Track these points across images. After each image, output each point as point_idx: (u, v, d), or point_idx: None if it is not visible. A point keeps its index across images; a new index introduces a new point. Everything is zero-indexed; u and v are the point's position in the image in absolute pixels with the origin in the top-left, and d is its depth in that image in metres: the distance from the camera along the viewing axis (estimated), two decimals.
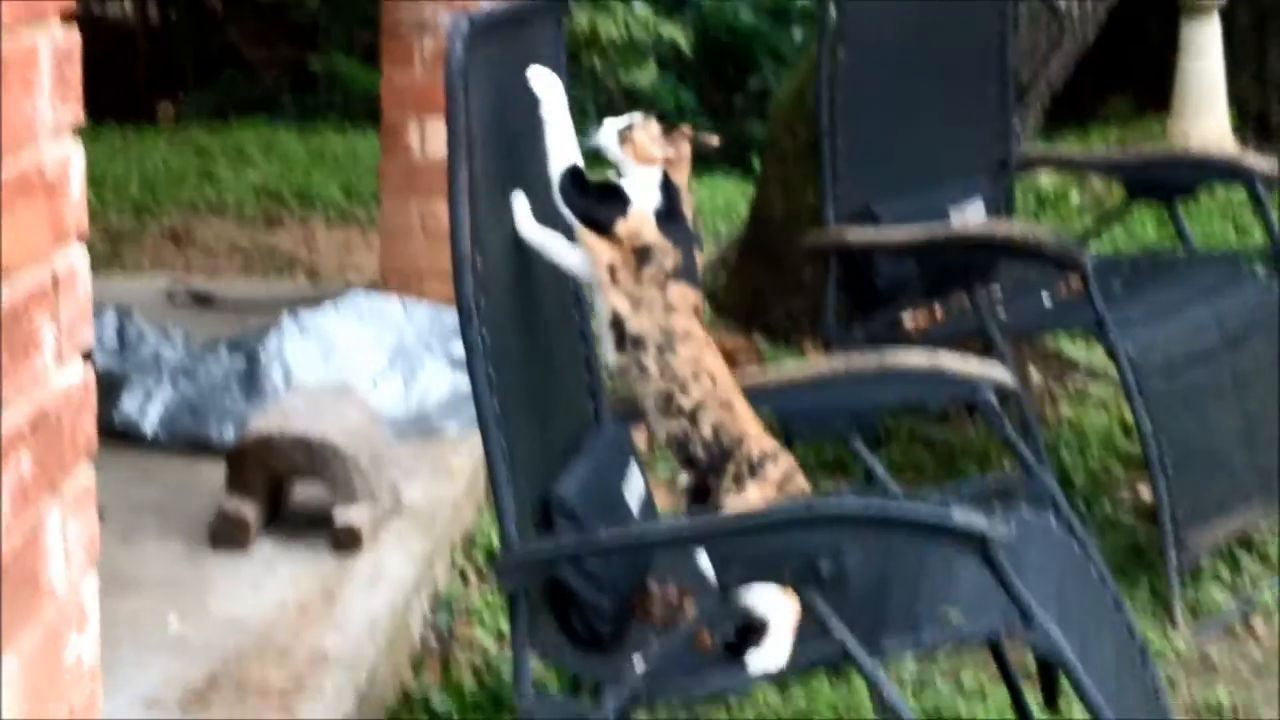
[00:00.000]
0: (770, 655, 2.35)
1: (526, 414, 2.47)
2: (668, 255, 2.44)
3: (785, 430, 2.75)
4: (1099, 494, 3.97)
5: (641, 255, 2.43)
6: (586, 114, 6.42)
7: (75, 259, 1.64)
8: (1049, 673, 2.68)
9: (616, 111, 3.03)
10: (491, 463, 2.35)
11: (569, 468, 2.53)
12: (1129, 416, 3.79)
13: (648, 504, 2.67)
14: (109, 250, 5.69)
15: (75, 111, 1.63)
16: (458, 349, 3.93)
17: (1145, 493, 3.86)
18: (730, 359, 4.73)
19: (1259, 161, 3.91)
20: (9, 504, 1.47)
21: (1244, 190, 3.97)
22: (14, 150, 1.51)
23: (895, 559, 2.51)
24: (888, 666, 2.39)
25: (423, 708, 3.01)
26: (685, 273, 2.45)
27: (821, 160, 3.71)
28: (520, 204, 2.48)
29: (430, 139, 4.56)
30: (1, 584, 1.46)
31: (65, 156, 1.62)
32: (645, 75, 7.01)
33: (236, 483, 3.28)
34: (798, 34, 7.95)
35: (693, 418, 2.45)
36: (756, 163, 7.23)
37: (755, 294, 4.84)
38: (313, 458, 3.25)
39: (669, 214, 2.46)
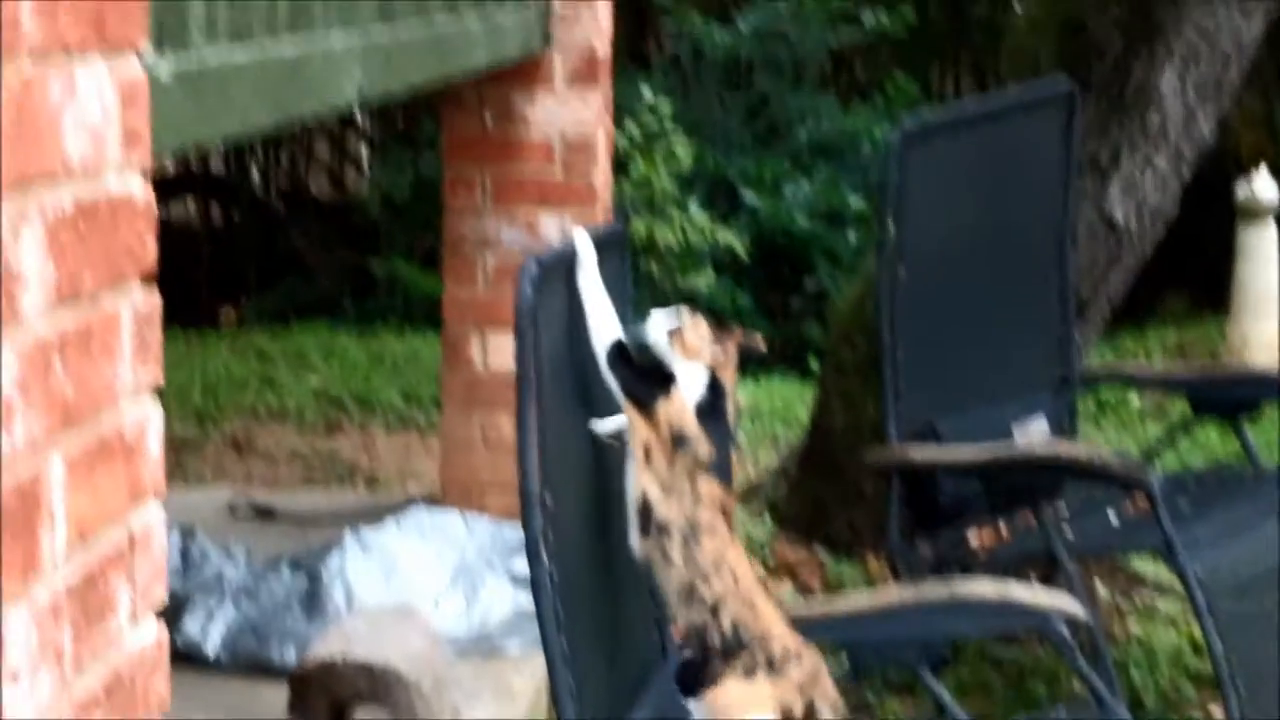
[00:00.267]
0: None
1: (594, 649, 2.46)
2: (703, 447, 2.44)
3: (853, 660, 2.72)
4: (1170, 714, 3.90)
5: (677, 441, 2.43)
6: (644, 317, 6.44)
7: (151, 517, 1.64)
8: None
9: None
10: (559, 702, 2.33)
11: (636, 703, 2.50)
12: (1199, 634, 3.74)
13: None
14: (172, 460, 5.73)
15: (155, 373, 1.64)
16: (520, 566, 3.92)
17: (1217, 712, 3.79)
18: (791, 572, 4.74)
19: None
20: None
21: None
22: (95, 416, 1.53)
23: None
24: None
25: None
26: (718, 469, 2.46)
27: (883, 377, 3.71)
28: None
29: (492, 352, 4.59)
30: None
31: (144, 417, 1.63)
32: (703, 279, 7.06)
33: (299, 708, 3.26)
34: (852, 236, 8.01)
35: (714, 610, 2.43)
36: (813, 363, 7.27)
37: (816, 505, 4.82)
38: (375, 685, 3.23)
39: (711, 410, 2.47)
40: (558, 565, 2.34)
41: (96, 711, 1.50)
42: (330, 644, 3.34)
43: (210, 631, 3.75)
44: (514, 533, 3.71)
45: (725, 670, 2.40)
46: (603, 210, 4.64)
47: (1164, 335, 7.43)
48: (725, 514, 2.46)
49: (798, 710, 2.39)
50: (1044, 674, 4.06)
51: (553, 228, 4.53)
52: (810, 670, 2.40)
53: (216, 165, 10.58)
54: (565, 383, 2.50)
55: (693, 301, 6.84)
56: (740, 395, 6.77)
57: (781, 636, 2.42)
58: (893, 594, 2.92)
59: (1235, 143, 7.72)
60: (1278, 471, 4.24)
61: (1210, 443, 5.72)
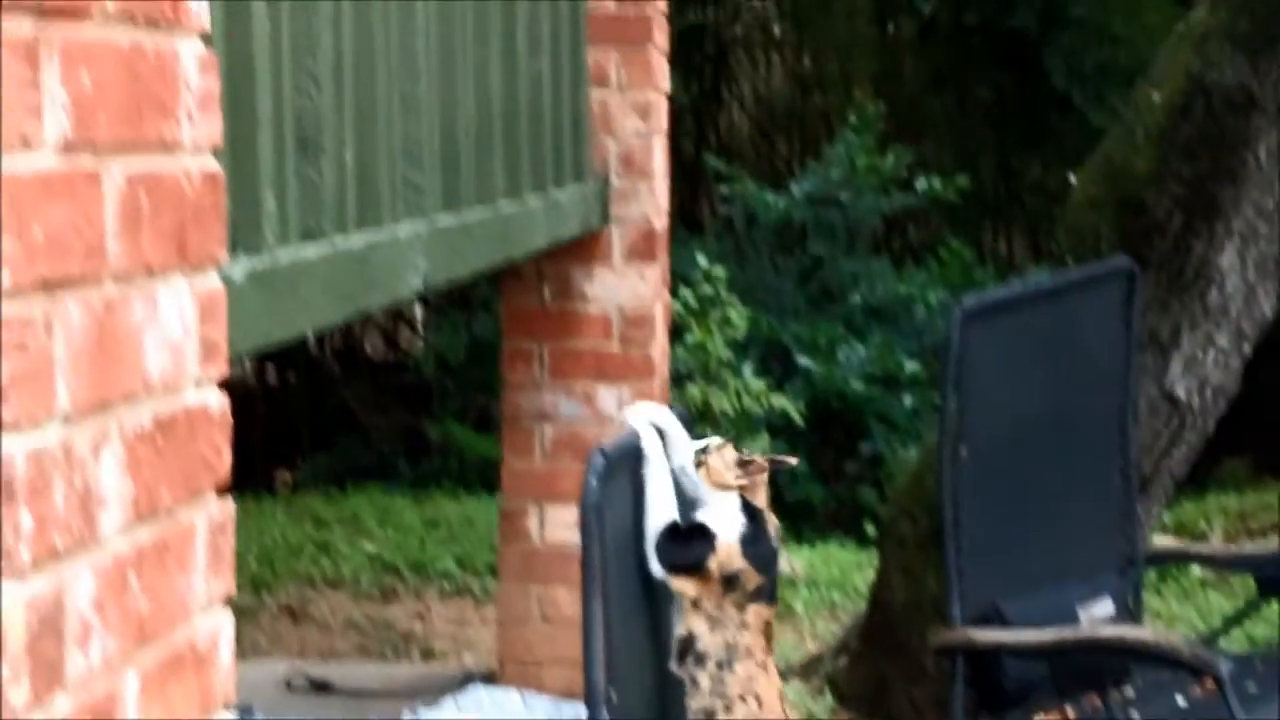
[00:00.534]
0: None
1: None
2: (751, 580, 2.52)
3: None
4: None
5: (729, 582, 2.51)
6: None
7: None
8: None
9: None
10: None
11: None
12: None
13: None
14: None
15: (227, 583, 1.64)
16: None
17: None
18: None
19: None
20: None
21: None
22: (169, 631, 1.52)
23: None
24: None
25: None
26: (765, 593, 2.54)
27: (945, 558, 3.68)
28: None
29: (549, 525, 4.59)
30: None
31: (217, 628, 1.62)
32: (757, 444, 7.04)
33: None
34: (907, 400, 8.00)
35: None
36: (869, 528, 7.22)
37: (878, 681, 4.77)
38: None
39: (754, 539, 2.53)
40: None
41: None
42: None
43: None
44: (573, 711, 3.68)
45: None
46: (660, 383, 4.65)
47: (1225, 502, 7.35)
48: (767, 630, 2.55)
49: None
50: None
51: (610, 401, 4.54)
52: None
53: None
54: (629, 569, 2.49)
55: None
56: (797, 562, 6.73)
57: None
58: None
59: None
60: None
61: (1275, 616, 5.64)
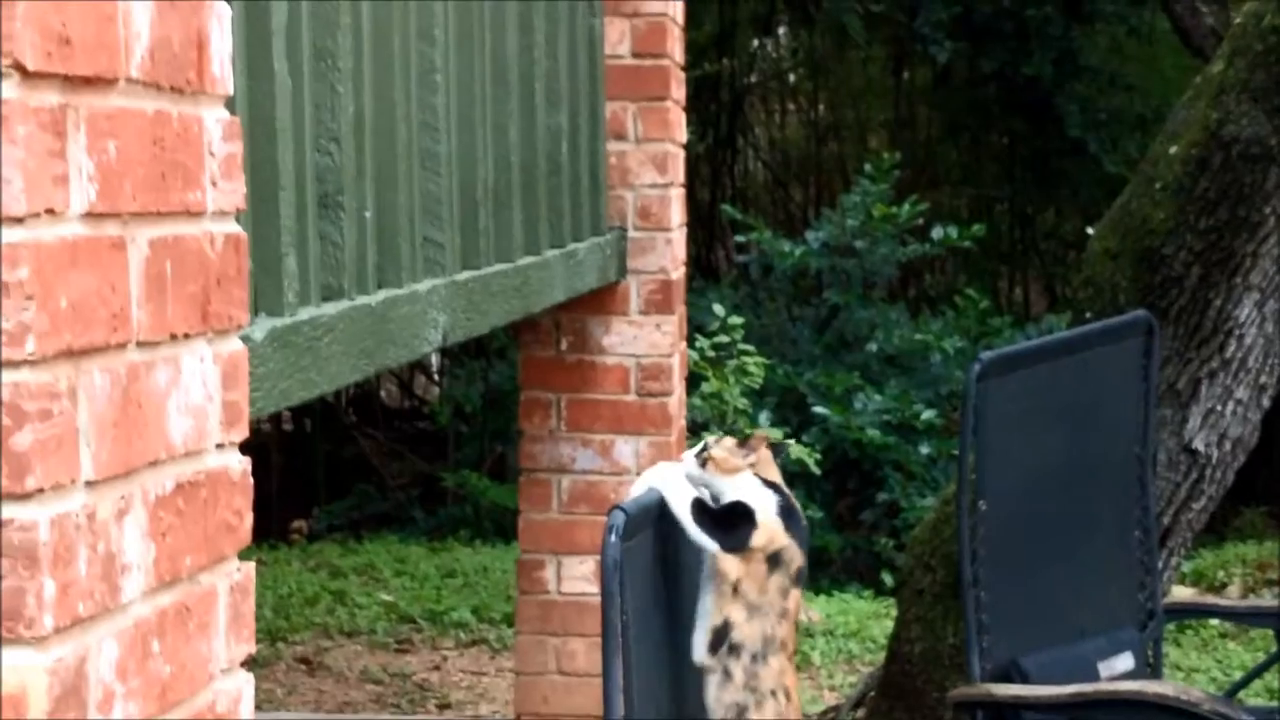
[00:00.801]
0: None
1: None
2: (795, 560, 2.43)
3: None
4: None
5: (773, 561, 2.42)
6: None
7: None
8: None
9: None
10: None
11: None
12: None
13: None
14: None
15: (248, 644, 1.64)
16: None
17: None
18: None
19: None
20: None
21: None
22: (190, 695, 1.52)
23: None
24: None
25: None
26: (804, 577, 2.45)
27: (966, 613, 3.66)
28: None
29: (566, 577, 4.58)
30: None
31: (237, 690, 1.62)
32: None
33: None
34: (924, 448, 7.99)
35: None
36: (886, 577, 7.20)
37: None
38: None
39: (788, 510, 2.45)
40: None
41: None
42: None
43: None
44: None
45: None
46: (678, 433, 4.65)
47: (1243, 552, 7.33)
48: (795, 621, 2.46)
49: None
50: None
51: (628, 452, 4.54)
52: None
53: None
54: (650, 628, 2.48)
55: None
56: (814, 611, 6.70)
57: None
58: None
59: None
60: None
61: None
